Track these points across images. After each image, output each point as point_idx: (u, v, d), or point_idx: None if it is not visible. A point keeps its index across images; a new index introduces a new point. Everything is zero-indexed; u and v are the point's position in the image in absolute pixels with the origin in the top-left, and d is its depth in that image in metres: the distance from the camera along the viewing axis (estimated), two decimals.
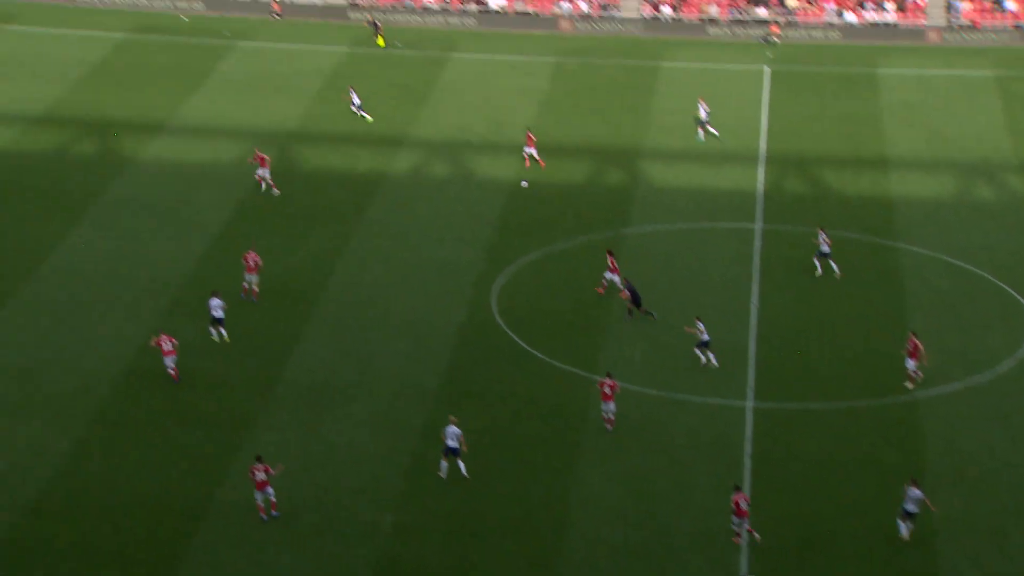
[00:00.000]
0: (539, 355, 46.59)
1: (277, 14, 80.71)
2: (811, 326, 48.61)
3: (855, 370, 45.84)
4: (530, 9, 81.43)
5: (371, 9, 79.55)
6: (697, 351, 45.89)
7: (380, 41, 76.02)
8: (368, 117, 65.51)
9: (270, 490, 38.04)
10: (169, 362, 43.96)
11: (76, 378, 44.44)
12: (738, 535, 37.56)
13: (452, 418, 40.29)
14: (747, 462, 41.16)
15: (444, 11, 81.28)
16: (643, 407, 43.78)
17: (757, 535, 37.45)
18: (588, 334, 47.84)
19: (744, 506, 37.25)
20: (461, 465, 39.94)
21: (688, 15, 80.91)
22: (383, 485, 39.99)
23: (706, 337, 45.59)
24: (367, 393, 44.25)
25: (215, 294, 46.85)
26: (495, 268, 52.12)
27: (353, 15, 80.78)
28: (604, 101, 69.39)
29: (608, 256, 50.43)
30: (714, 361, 45.66)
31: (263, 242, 53.16)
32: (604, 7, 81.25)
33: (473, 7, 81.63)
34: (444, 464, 40.03)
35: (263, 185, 57.47)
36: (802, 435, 42.58)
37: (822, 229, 52.21)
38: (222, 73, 71.75)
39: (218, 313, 46.33)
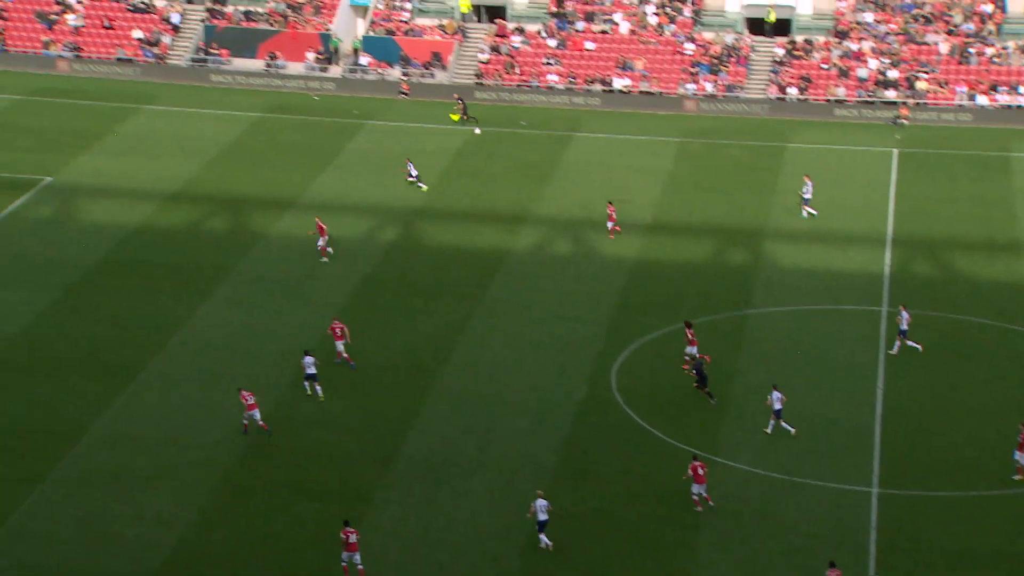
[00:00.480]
0: (658, 434, 46.19)
1: (405, 93, 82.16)
2: (939, 411, 47.54)
3: (985, 458, 44.61)
4: (654, 89, 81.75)
5: (465, 89, 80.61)
6: (774, 421, 45.77)
7: (455, 116, 76.90)
8: (423, 187, 66.38)
9: (357, 556, 38.56)
10: (255, 415, 45.28)
11: (202, 450, 45.15)
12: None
13: (540, 492, 40.63)
14: (872, 550, 40.17)
15: (569, 91, 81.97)
16: (764, 490, 43.06)
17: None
18: (708, 414, 47.33)
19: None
20: (544, 539, 40.11)
21: (815, 96, 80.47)
22: (500, 563, 39.81)
23: (778, 407, 45.46)
24: (486, 469, 44.21)
25: (307, 352, 48.09)
26: (615, 346, 51.94)
27: (479, 94, 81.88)
28: (728, 181, 69.18)
29: (687, 329, 50.11)
30: (789, 428, 45.48)
31: (386, 316, 53.72)
32: (729, 88, 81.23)
33: (597, 87, 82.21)
34: (543, 536, 40.20)
35: (325, 255, 58.66)
36: (930, 524, 41.48)
37: (904, 307, 51.41)
38: (351, 151, 73.10)
39: (311, 370, 47.76)
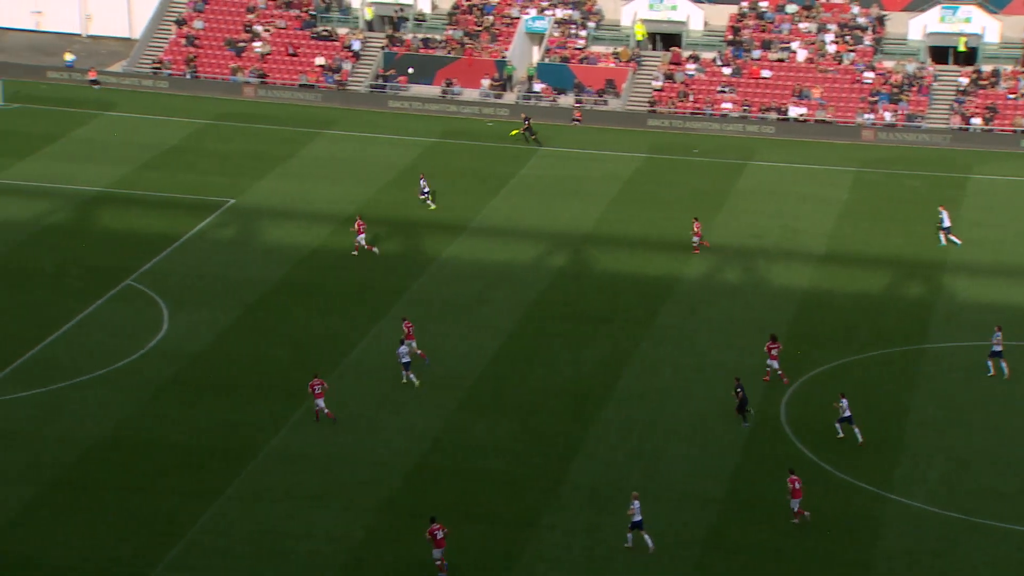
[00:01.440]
0: (828, 468, 45.34)
1: (577, 120, 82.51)
2: None
3: None
4: (831, 118, 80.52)
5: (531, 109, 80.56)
6: (837, 426, 46.48)
7: (515, 132, 77.82)
8: (432, 205, 67.10)
9: (440, 552, 39.99)
10: (320, 403, 47.61)
11: (370, 470, 45.87)
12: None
13: (635, 494, 41.68)
14: None
15: (743, 119, 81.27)
16: (940, 530, 41.89)
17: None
18: (881, 449, 46.30)
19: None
20: (647, 538, 40.91)
21: (1000, 127, 78.28)
22: None
23: (847, 413, 46.20)
24: (651, 497, 43.93)
25: (402, 342, 50.80)
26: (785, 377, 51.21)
27: (652, 122, 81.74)
28: (906, 212, 67.69)
29: (770, 343, 50.33)
30: (859, 436, 46.03)
31: (554, 343, 53.87)
32: (909, 117, 79.55)
33: (772, 115, 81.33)
34: (630, 536, 41.19)
35: (357, 251, 61.60)
36: None
37: (999, 328, 50.57)
38: (522, 176, 73.67)
39: (405, 359, 50.56)
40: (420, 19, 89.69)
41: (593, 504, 43.82)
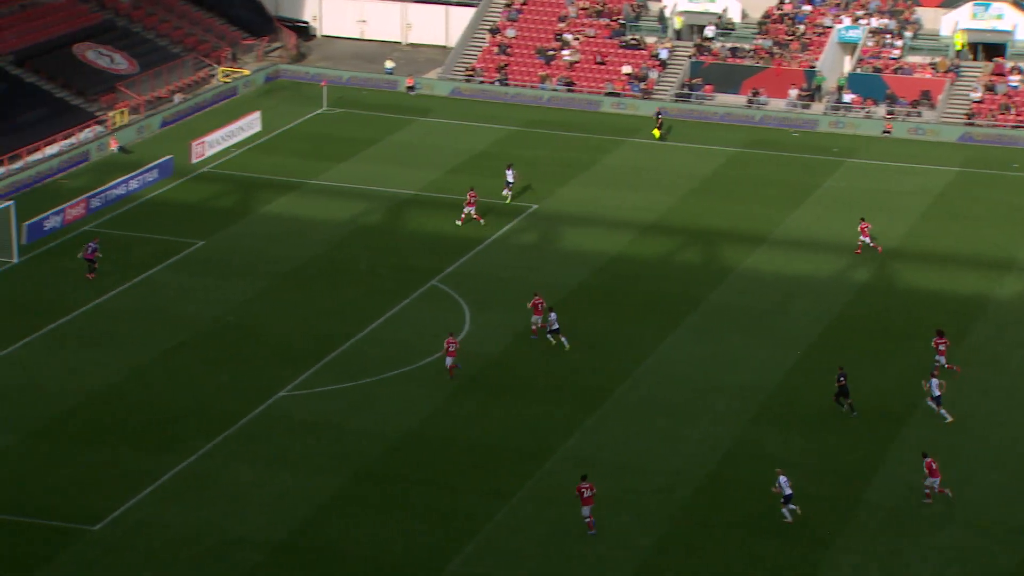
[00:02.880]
0: None
1: (887, 132, 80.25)
2: None
3: None
4: None
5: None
6: (935, 407, 47.94)
7: (656, 132, 77.44)
8: (507, 199, 67.67)
9: (586, 510, 41.92)
10: (449, 361, 51.00)
11: (663, 478, 45.87)
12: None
13: (779, 470, 42.97)
14: None
15: None
16: None
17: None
18: None
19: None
20: (793, 508, 42.46)
21: None
22: None
23: (937, 393, 47.74)
24: (955, 524, 42.37)
25: (551, 309, 54.25)
26: None
27: (968, 134, 78.64)
28: None
29: (937, 338, 50.69)
30: (947, 416, 47.33)
31: (855, 358, 52.52)
32: None
33: None
34: (785, 511, 42.51)
35: (464, 220, 65.05)
36: None
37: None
38: (827, 188, 72.17)
39: (555, 326, 53.77)
40: (729, 28, 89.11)
41: (892, 527, 42.54)
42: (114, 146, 75.96)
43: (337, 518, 43.62)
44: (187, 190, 71.00)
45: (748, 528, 42.90)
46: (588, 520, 42.25)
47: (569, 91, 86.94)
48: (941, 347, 51.13)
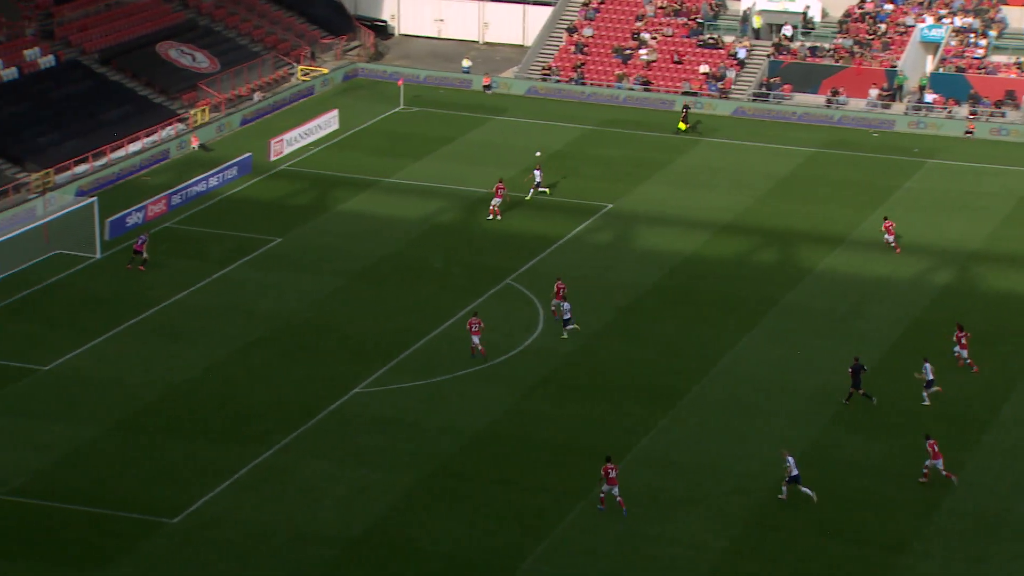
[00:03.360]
0: None
1: (970, 132, 79.15)
2: None
3: None
4: None
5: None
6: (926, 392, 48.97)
7: (682, 125, 77.80)
8: (530, 195, 68.59)
9: (616, 489, 42.85)
10: (475, 340, 52.16)
11: (737, 480, 45.58)
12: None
13: (783, 451, 44.06)
14: None
15: None
16: None
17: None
18: None
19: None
20: (806, 490, 43.07)
21: None
22: None
23: (931, 377, 48.68)
24: None
25: (564, 298, 51.92)
26: None
27: None
28: None
29: (958, 331, 51.17)
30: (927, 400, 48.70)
31: (934, 361, 51.82)
32: None
33: None
34: (785, 489, 43.40)
35: (494, 214, 66.02)
36: None
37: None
38: (908, 189, 71.34)
39: (568, 315, 54.54)
40: (809, 28, 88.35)
41: (974, 533, 41.94)
42: (195, 144, 76.88)
43: (411, 514, 43.81)
44: (265, 187, 71.68)
45: (822, 531, 42.49)
46: (603, 498, 43.29)
47: (646, 90, 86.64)
48: (963, 340, 51.62)
